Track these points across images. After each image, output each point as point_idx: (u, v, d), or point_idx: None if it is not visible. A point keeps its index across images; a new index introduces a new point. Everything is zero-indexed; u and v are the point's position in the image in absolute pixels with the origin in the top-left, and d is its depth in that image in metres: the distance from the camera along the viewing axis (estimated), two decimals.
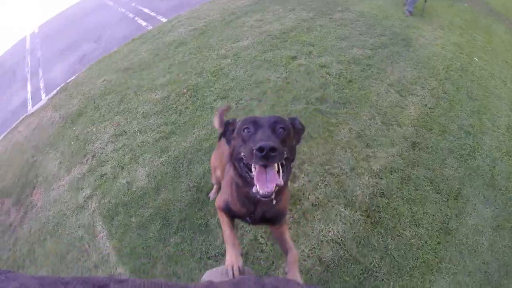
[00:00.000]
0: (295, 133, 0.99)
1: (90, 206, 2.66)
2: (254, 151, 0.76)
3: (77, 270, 2.43)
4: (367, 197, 2.40)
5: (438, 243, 2.20)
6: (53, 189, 2.98)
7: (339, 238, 2.22)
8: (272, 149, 0.75)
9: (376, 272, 2.12)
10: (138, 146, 2.88)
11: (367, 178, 2.49)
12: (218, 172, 1.71)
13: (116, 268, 2.31)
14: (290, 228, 2.22)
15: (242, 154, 0.86)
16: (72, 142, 3.26)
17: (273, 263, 2.11)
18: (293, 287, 0.54)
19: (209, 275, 1.10)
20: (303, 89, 2.88)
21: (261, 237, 2.16)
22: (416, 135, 2.83)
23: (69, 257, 2.51)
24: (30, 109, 4.62)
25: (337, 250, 2.18)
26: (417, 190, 2.47)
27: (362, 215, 2.32)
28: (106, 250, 2.40)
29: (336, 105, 2.82)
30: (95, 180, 2.78)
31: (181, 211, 2.35)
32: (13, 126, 4.37)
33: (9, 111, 5.11)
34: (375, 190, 2.43)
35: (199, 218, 2.31)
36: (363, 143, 2.66)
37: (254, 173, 0.84)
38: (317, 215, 2.27)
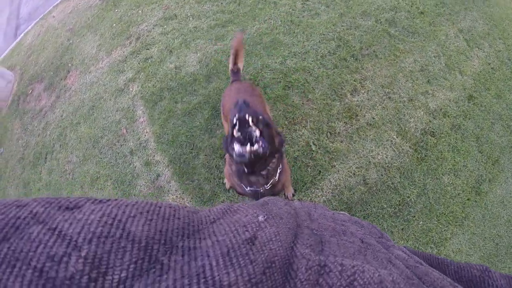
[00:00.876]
0: (276, 133, 1.05)
1: (131, 89, 2.32)
2: (232, 109, 0.90)
3: (111, 155, 2.17)
4: (419, 132, 2.20)
5: (468, 199, 2.07)
6: (90, 72, 2.61)
7: (386, 164, 2.07)
8: (245, 102, 0.88)
9: (410, 207, 1.99)
10: (190, 31, 2.46)
11: (422, 113, 2.27)
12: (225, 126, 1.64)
13: (154, 156, 2.04)
14: (342, 141, 2.06)
15: (229, 129, 0.93)
16: (114, 24, 2.79)
17: (319, 172, 1.95)
18: (323, 212, 0.42)
19: None
20: (374, 6, 2.45)
21: (313, 143, 1.97)
22: (474, 88, 2.57)
23: (104, 141, 2.25)
24: None
25: (382, 175, 2.04)
26: (463, 141, 2.29)
27: (410, 147, 2.15)
28: (145, 135, 2.12)
29: (405, 32, 2.45)
30: (139, 63, 2.41)
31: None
32: (46, 11, 3.75)
33: None
34: (427, 128, 2.24)
35: None
36: (424, 78, 2.39)
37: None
38: (370, 135, 2.06)
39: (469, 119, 2.39)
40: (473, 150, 2.29)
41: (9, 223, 0.19)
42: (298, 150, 1.93)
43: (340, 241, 0.31)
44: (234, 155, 0.90)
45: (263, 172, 1.01)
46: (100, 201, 0.24)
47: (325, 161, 1.93)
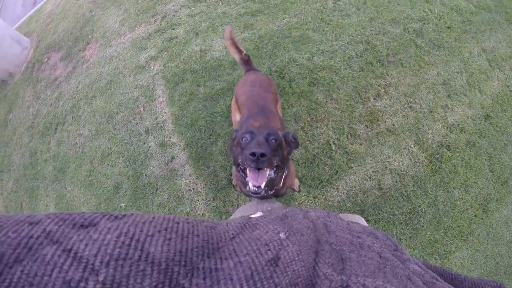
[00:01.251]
0: (286, 144, 1.05)
1: (152, 67, 2.26)
2: (247, 156, 0.85)
3: (125, 132, 2.12)
4: (436, 144, 2.20)
5: (475, 216, 2.09)
6: (111, 46, 2.54)
7: (401, 171, 2.06)
8: (262, 155, 0.84)
9: (420, 217, 2.01)
10: (219, 16, 2.42)
11: (440, 126, 2.27)
12: (237, 116, 1.56)
13: (170, 137, 2.01)
14: (361, 144, 2.04)
15: (240, 160, 0.93)
16: (140, 1, 2.72)
17: (337, 172, 1.93)
18: (338, 221, 0.41)
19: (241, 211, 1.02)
20: (403, 15, 2.45)
21: (333, 143, 1.95)
22: (491, 108, 2.58)
23: (119, 117, 2.19)
24: None
25: (396, 181, 2.03)
26: (476, 159, 2.30)
27: (426, 158, 2.15)
28: (163, 116, 2.07)
29: (431, 44, 2.44)
30: (163, 42, 2.35)
31: None
32: None
33: None
34: (444, 141, 2.24)
35: None
36: (445, 92, 2.39)
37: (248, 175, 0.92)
38: (389, 141, 2.05)
39: (484, 137, 2.40)
40: (485, 168, 2.31)
41: (21, 243, 0.18)
42: (318, 148, 1.91)
43: (360, 257, 0.30)
44: (248, 190, 0.93)
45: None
46: (116, 217, 0.23)
47: (343, 161, 1.91)
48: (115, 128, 2.20)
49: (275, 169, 0.95)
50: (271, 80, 1.57)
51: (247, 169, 0.92)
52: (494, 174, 2.31)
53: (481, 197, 2.21)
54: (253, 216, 0.36)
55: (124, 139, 2.14)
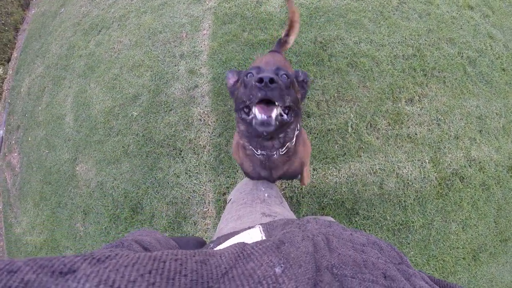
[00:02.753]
0: (299, 85, 0.90)
1: (207, 2, 2.36)
2: (254, 84, 0.68)
3: (161, 50, 2.23)
4: (451, 170, 2.14)
5: (464, 258, 2.01)
6: None
7: (407, 180, 2.03)
8: (272, 80, 0.67)
9: (410, 233, 1.96)
10: None
11: (461, 155, 2.22)
12: None
13: (201, 68, 2.08)
14: (378, 138, 2.04)
15: (244, 98, 0.74)
16: None
17: (344, 154, 1.92)
18: (340, 233, 0.37)
19: (235, 196, 0.96)
20: (463, 39, 2.42)
21: (351, 126, 1.95)
22: None
23: (161, 36, 2.31)
24: None
25: (399, 188, 2.00)
26: (485, 203, 2.23)
27: (436, 179, 2.10)
28: (201, 47, 2.16)
29: (480, 77, 2.40)
30: None
31: (296, 55, 2.07)
32: None
33: None
34: (459, 171, 2.18)
35: (311, 72, 2.03)
36: (478, 126, 2.33)
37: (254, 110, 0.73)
38: (406, 147, 2.02)
39: (500, 187, 2.32)
40: (490, 216, 2.23)
41: None
42: (335, 124, 1.92)
43: (363, 283, 0.27)
44: (253, 123, 0.73)
45: (281, 135, 0.85)
46: (98, 260, 0.21)
47: (354, 147, 1.91)
48: (154, 45, 2.30)
49: (287, 110, 0.78)
50: (287, 62, 1.50)
51: (253, 107, 0.73)
52: (497, 227, 2.23)
53: (476, 243, 2.13)
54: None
55: (158, 57, 2.23)
